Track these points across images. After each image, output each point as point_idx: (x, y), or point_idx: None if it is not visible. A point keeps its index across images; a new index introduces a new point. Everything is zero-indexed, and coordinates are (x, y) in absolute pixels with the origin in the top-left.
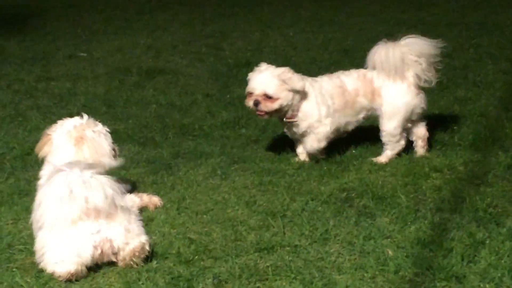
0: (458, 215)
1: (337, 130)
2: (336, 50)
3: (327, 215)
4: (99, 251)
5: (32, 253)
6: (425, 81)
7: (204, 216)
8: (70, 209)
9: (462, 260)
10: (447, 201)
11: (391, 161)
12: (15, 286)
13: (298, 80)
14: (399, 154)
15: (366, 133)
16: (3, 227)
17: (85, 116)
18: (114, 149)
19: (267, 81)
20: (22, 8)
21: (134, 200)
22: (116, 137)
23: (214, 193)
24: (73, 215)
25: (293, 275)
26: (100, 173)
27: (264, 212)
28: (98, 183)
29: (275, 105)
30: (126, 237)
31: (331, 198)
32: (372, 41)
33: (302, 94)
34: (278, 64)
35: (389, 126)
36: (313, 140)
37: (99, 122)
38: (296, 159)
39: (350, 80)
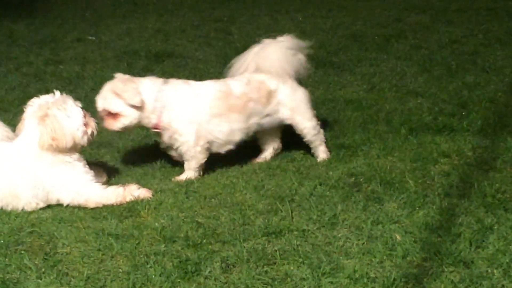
0: (466, 200)
1: (212, 141)
2: (345, 34)
3: (335, 199)
4: None
5: (40, 235)
6: (305, 71)
7: (212, 200)
8: None
9: (470, 245)
10: (456, 186)
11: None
12: (24, 268)
13: (133, 95)
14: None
15: (373, 117)
16: (12, 210)
17: (57, 93)
18: (85, 126)
19: (105, 95)
20: None
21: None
22: None
23: (222, 177)
24: None
25: (301, 260)
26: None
27: (272, 197)
28: None
29: (118, 124)
30: None
31: (339, 183)
32: (381, 26)
33: (155, 106)
34: None
35: (307, 123)
36: (188, 158)
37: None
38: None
39: (237, 84)
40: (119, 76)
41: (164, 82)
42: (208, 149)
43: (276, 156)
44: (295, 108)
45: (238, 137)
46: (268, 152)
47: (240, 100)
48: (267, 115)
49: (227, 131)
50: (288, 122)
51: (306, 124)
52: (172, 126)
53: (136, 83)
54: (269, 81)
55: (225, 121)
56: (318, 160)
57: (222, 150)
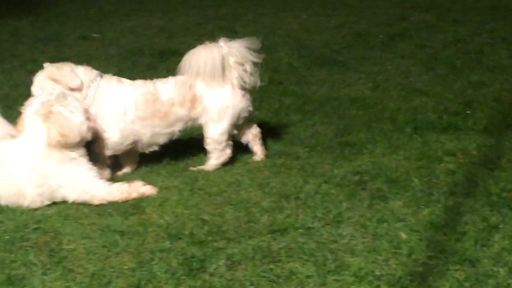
0: (471, 199)
1: (137, 141)
2: (350, 33)
3: (340, 197)
4: None
5: (45, 232)
6: (250, 83)
7: (217, 197)
8: None
9: (476, 244)
10: (461, 185)
11: (215, 170)
12: (29, 264)
13: (73, 77)
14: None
15: (378, 116)
16: (17, 207)
17: (56, 90)
18: (89, 120)
19: (42, 84)
20: None
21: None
22: None
23: (227, 174)
24: None
25: (306, 257)
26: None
27: (277, 194)
28: None
29: None
30: None
31: (344, 180)
32: (386, 25)
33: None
34: (291, 47)
35: (214, 132)
36: (100, 146)
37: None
38: None
39: (166, 87)
40: (48, 64)
41: (100, 74)
42: (130, 145)
43: (262, 143)
44: (213, 116)
45: (162, 140)
46: (253, 144)
47: (165, 105)
48: (192, 119)
49: (150, 135)
50: (203, 127)
51: (212, 134)
52: (97, 122)
53: (71, 66)
54: (197, 86)
55: (149, 125)
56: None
57: (146, 150)
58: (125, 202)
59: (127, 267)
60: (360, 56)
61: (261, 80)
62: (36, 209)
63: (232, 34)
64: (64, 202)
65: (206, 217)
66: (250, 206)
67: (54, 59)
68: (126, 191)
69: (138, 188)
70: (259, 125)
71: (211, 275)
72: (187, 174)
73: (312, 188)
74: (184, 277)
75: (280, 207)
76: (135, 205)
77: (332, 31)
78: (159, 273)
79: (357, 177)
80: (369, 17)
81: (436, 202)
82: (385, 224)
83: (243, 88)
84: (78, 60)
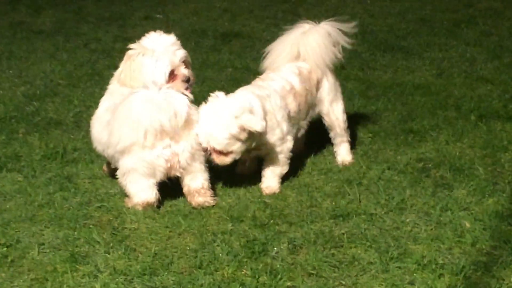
0: None
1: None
2: (414, 19)
3: (403, 184)
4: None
5: (108, 210)
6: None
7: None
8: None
9: None
10: None
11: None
12: (92, 242)
13: (258, 121)
14: None
15: (442, 103)
16: (80, 184)
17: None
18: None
19: (216, 134)
20: None
21: None
22: None
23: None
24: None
25: (368, 243)
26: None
27: (339, 180)
28: (168, 103)
29: (229, 159)
30: (191, 157)
31: (407, 167)
32: (451, 11)
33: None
34: (355, 32)
35: (339, 111)
36: (282, 162)
37: None
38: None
39: (294, 78)
40: (219, 95)
41: None
42: None
43: None
44: (335, 96)
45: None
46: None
47: (302, 96)
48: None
49: (295, 132)
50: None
51: (339, 115)
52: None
53: None
54: (315, 69)
55: (297, 121)
56: None
57: None
58: None
59: (189, 248)
60: (424, 43)
61: None
62: (99, 188)
63: (295, 17)
64: None
65: (268, 200)
66: (312, 190)
67: (117, 39)
68: None
69: None
70: None
71: (273, 258)
72: None
73: (375, 174)
74: (246, 259)
75: (342, 192)
76: None
77: (396, 17)
78: (221, 255)
79: (420, 164)
80: (434, 3)
81: (501, 192)
82: (448, 213)
83: None
84: None
